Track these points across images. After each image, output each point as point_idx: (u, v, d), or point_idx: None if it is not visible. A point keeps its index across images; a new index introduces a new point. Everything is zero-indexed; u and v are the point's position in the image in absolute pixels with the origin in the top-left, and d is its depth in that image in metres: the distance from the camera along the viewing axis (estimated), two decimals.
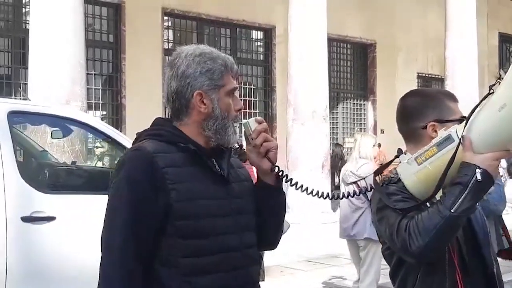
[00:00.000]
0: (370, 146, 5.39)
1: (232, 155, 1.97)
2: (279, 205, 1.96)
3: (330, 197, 1.99)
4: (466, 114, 1.83)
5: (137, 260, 1.71)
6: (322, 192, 1.97)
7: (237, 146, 1.96)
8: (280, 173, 1.89)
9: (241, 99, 1.95)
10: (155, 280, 1.76)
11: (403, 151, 2.03)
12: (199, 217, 1.76)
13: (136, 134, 1.96)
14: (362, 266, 5.40)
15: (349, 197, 2.03)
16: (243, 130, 1.91)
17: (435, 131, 1.98)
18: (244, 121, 1.88)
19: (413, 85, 15.42)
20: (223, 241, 1.80)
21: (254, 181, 1.96)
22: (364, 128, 15.61)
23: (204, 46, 1.91)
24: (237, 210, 1.85)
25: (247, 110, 12.64)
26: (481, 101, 1.77)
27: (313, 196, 1.95)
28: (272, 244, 2.05)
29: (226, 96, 1.87)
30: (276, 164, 1.87)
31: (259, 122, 1.87)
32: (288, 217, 4.72)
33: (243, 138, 1.95)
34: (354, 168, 5.32)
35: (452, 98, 2.08)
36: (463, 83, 11.60)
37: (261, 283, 4.56)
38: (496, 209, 4.56)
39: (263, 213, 1.92)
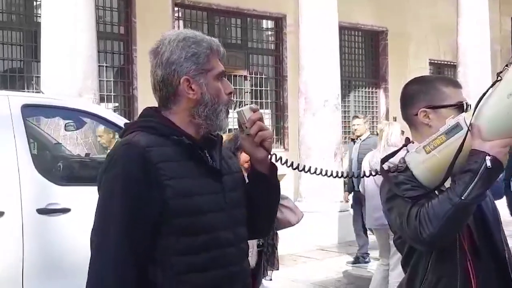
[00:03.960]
0: (398, 134, 5.47)
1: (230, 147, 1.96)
2: (272, 193, 1.91)
3: (336, 176, 1.98)
4: (473, 101, 1.84)
5: (132, 263, 1.62)
6: (326, 170, 1.96)
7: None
8: (278, 160, 1.86)
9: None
10: (148, 281, 1.67)
11: (410, 140, 2.04)
12: (195, 213, 1.69)
13: (124, 125, 1.87)
14: (393, 255, 5.37)
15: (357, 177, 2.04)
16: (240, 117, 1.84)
17: (428, 117, 1.99)
18: (238, 109, 1.82)
19: (425, 72, 15.28)
20: (218, 237, 1.74)
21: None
22: (377, 116, 15.54)
23: (187, 30, 1.83)
24: (232, 204, 1.80)
25: (259, 100, 12.61)
26: (489, 88, 1.77)
27: (323, 175, 1.95)
28: (261, 231, 2.03)
29: (215, 80, 1.79)
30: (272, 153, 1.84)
31: (254, 110, 1.81)
32: (300, 206, 4.79)
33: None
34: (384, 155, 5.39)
35: (451, 83, 2.07)
36: (476, 69, 11.50)
37: (275, 272, 4.57)
38: None
39: (256, 201, 1.87)
